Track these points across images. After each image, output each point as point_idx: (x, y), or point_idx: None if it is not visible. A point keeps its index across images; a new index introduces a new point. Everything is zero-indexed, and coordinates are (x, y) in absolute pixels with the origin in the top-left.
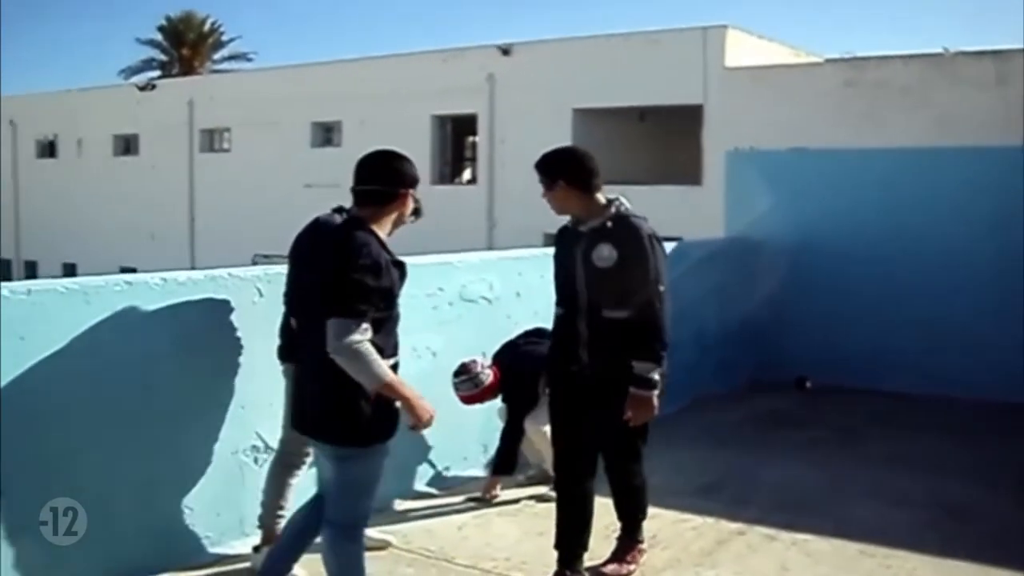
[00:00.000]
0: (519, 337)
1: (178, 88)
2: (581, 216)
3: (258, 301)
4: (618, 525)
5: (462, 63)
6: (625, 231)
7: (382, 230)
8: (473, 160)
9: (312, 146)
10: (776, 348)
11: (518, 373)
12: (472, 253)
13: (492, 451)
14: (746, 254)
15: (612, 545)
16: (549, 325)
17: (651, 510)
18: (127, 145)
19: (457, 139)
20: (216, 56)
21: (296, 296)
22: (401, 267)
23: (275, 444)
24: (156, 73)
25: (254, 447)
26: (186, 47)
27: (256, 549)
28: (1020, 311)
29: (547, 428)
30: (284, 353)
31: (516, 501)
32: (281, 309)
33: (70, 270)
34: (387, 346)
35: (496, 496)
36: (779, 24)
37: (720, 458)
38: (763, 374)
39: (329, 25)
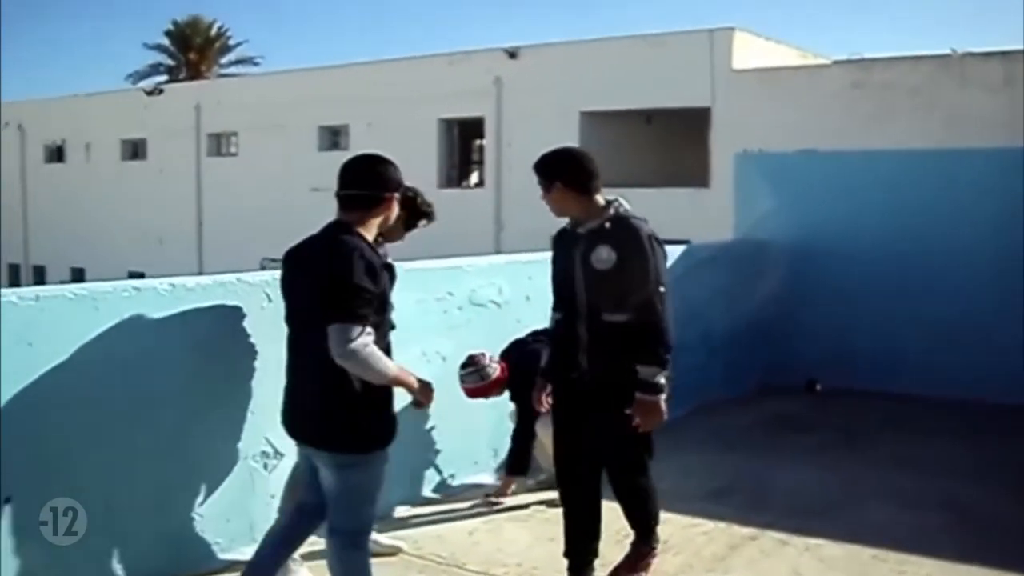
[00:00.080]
0: (527, 335)
1: (185, 92)
2: (580, 218)
3: (267, 306)
4: (630, 530)
5: (469, 66)
6: (624, 232)
7: (369, 234)
8: (480, 163)
9: (319, 150)
10: (785, 351)
11: (525, 371)
12: (481, 257)
13: (503, 455)
14: (754, 256)
15: (623, 549)
16: None
17: (662, 515)
18: (135, 149)
19: (464, 142)
20: (223, 60)
21: (289, 303)
22: (391, 270)
23: (284, 450)
24: (163, 78)
25: (264, 453)
26: (193, 52)
27: None
28: None
29: None
30: None
31: (527, 506)
32: None
33: (78, 275)
34: (381, 349)
35: (507, 495)
36: (786, 26)
37: (730, 462)
38: (772, 377)
39: (336, 29)
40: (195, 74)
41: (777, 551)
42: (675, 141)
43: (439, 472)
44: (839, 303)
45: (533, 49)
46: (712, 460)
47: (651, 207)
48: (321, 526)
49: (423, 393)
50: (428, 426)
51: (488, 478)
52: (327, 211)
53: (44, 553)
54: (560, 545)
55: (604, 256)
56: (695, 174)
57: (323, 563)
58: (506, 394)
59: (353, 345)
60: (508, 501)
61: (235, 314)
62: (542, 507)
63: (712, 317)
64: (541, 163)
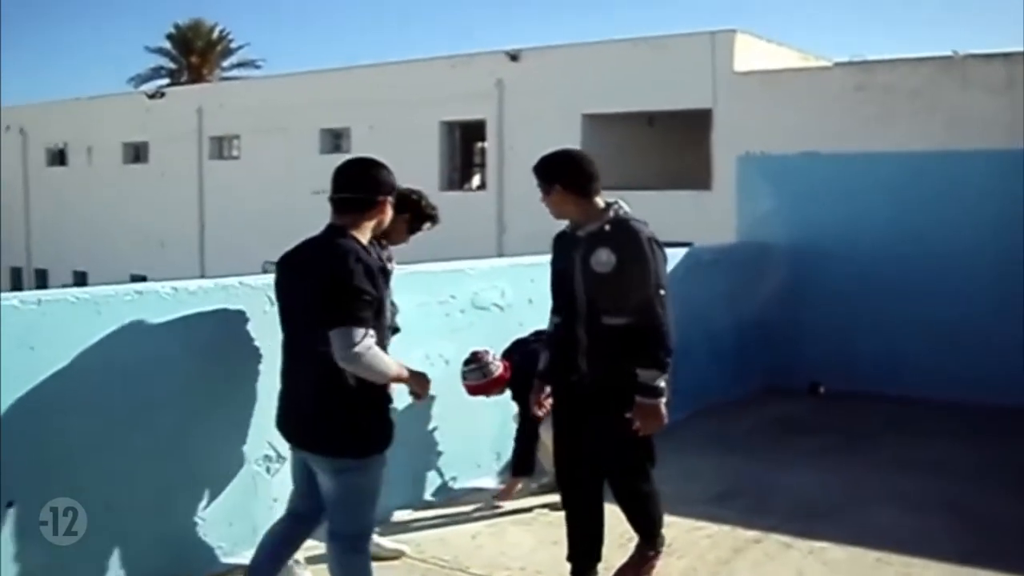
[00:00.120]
0: (530, 335)
1: (187, 96)
2: (579, 220)
3: (269, 310)
4: (633, 534)
5: (471, 69)
6: (624, 235)
7: (363, 237)
8: (482, 166)
9: (321, 152)
10: (788, 353)
11: (527, 371)
12: (484, 260)
13: (505, 459)
14: (757, 259)
15: (627, 553)
16: None
17: (666, 518)
18: (137, 153)
19: (466, 145)
20: (225, 64)
21: (285, 306)
22: (386, 273)
23: (287, 453)
24: (165, 81)
25: (266, 456)
26: (195, 55)
27: None
28: None
29: None
30: None
31: (530, 509)
32: None
33: (80, 278)
34: None
35: (512, 497)
36: (787, 28)
37: (733, 465)
38: (775, 379)
39: (337, 32)
40: (197, 77)
41: (781, 554)
42: (677, 143)
43: (441, 475)
44: (841, 305)
45: (535, 52)
46: (715, 463)
47: (653, 209)
48: (318, 530)
49: (418, 384)
50: (430, 429)
51: (491, 481)
52: (329, 214)
53: (45, 556)
54: (564, 548)
55: (604, 259)
56: (697, 176)
57: (325, 567)
58: (508, 394)
59: (358, 348)
60: (512, 504)
61: (237, 318)
62: (545, 510)
63: (714, 320)
64: (540, 165)
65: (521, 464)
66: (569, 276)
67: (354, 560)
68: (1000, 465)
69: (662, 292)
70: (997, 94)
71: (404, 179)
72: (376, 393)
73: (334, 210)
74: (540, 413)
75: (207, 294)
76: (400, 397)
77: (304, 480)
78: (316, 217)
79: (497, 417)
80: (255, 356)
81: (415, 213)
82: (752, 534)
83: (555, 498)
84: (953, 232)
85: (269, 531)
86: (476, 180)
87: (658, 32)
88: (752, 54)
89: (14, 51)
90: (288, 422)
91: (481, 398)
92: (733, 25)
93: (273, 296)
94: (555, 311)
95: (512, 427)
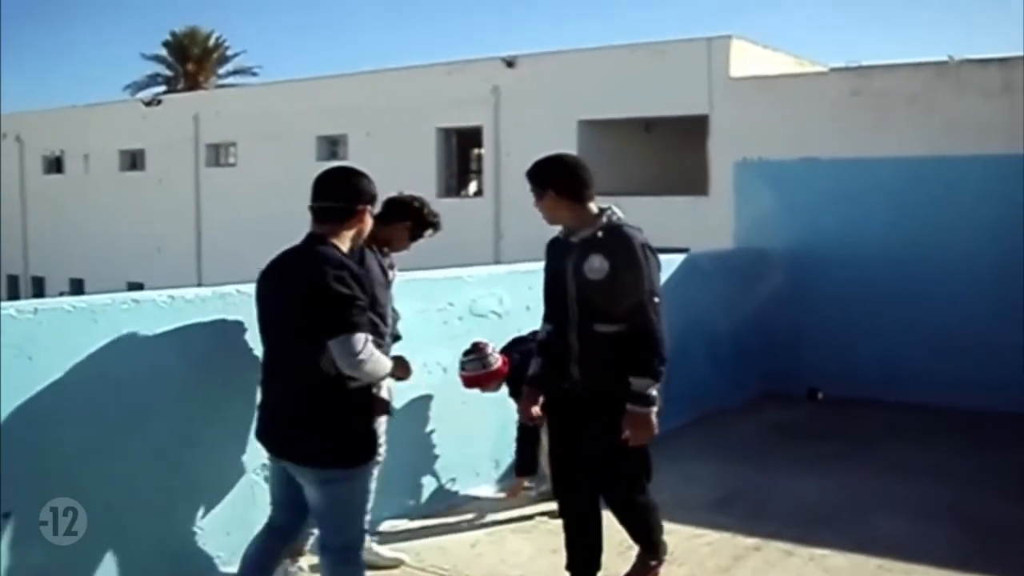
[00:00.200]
0: (528, 334)
1: (184, 103)
2: (572, 226)
3: None
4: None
5: (467, 75)
6: (617, 241)
7: (343, 246)
8: (479, 172)
9: (318, 159)
10: (787, 359)
11: (526, 370)
12: (481, 267)
13: (504, 466)
14: (755, 264)
15: (627, 561)
16: None
17: (665, 525)
18: (133, 160)
19: (463, 151)
20: (221, 71)
21: (265, 316)
22: (386, 280)
23: None
24: (162, 88)
25: (264, 466)
26: (191, 62)
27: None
28: None
29: None
30: None
31: (530, 517)
32: None
33: (77, 285)
34: None
35: (519, 496)
36: (782, 34)
37: (733, 471)
38: (774, 385)
39: (334, 39)
40: (193, 84)
41: (782, 562)
42: (674, 149)
43: (440, 483)
44: (839, 310)
45: (531, 58)
46: (714, 469)
47: (650, 215)
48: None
49: (401, 368)
50: (428, 437)
51: (489, 489)
52: None
53: (43, 567)
54: (563, 557)
55: (597, 265)
56: (694, 182)
57: None
58: (508, 395)
59: (362, 356)
60: (511, 513)
61: (235, 326)
62: (545, 518)
63: (713, 325)
64: (534, 170)
65: (523, 464)
66: (562, 283)
67: (347, 572)
68: (999, 470)
69: (656, 299)
70: (993, 99)
71: (401, 186)
72: (361, 403)
73: (314, 219)
74: (529, 421)
75: (204, 302)
76: (399, 402)
77: (282, 490)
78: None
79: (495, 424)
80: (253, 365)
81: (417, 220)
82: (752, 541)
83: (555, 506)
84: (951, 237)
85: (250, 546)
86: (473, 187)
87: (654, 38)
88: (748, 60)
89: (10, 59)
90: (271, 433)
91: (480, 398)
92: (728, 30)
93: None
94: (547, 318)
95: (510, 433)
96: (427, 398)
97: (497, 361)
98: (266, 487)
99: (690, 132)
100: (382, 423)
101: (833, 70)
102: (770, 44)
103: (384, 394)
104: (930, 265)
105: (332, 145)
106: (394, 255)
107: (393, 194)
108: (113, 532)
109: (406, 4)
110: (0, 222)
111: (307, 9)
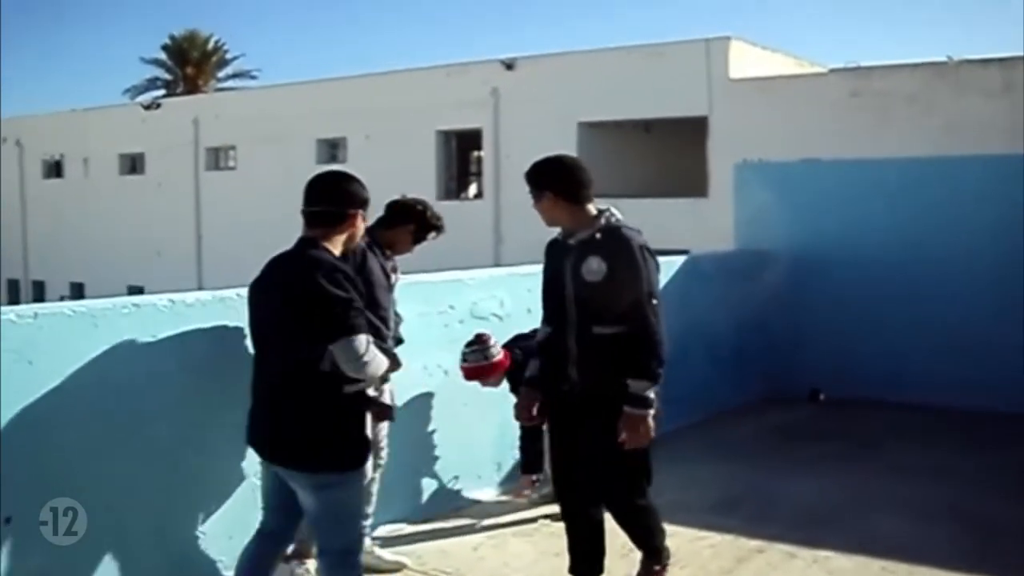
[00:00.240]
0: (530, 331)
1: (183, 107)
2: (570, 228)
3: None
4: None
5: (466, 78)
6: (615, 243)
7: (335, 250)
8: (479, 175)
9: (318, 162)
10: (788, 360)
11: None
12: (482, 270)
13: (506, 470)
14: (755, 266)
15: (630, 564)
16: None
17: (667, 528)
18: (133, 164)
19: (462, 154)
20: (220, 74)
21: (257, 320)
22: (389, 283)
23: None
24: (161, 92)
25: None
26: (191, 66)
27: (286, 560)
28: None
29: None
30: None
31: (533, 520)
32: None
33: (77, 289)
34: None
35: (525, 495)
36: (781, 35)
37: (735, 473)
38: (775, 386)
39: (333, 42)
40: (193, 88)
41: (785, 564)
42: (674, 150)
43: (441, 486)
44: (840, 311)
45: (530, 60)
46: (716, 471)
47: (650, 217)
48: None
49: (392, 363)
50: (430, 440)
51: (491, 492)
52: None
53: (43, 569)
54: (566, 560)
55: (595, 267)
56: (694, 183)
57: None
58: (507, 396)
59: (367, 357)
60: (514, 516)
61: (235, 331)
62: (547, 521)
63: (714, 327)
64: (531, 172)
65: (528, 461)
66: (560, 284)
67: (344, 575)
68: (1000, 470)
69: (654, 301)
70: (993, 99)
71: (401, 189)
72: (354, 407)
73: (306, 223)
74: (525, 422)
75: (204, 306)
76: (402, 400)
77: (274, 495)
78: None
79: (497, 427)
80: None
81: (420, 223)
82: (755, 543)
83: (557, 509)
84: (951, 237)
85: (243, 553)
86: (473, 189)
87: (653, 40)
88: (747, 61)
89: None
90: (263, 438)
91: (482, 400)
92: (728, 31)
93: None
94: (546, 320)
95: (512, 435)
96: (428, 401)
97: (499, 354)
98: None
99: (690, 133)
100: (384, 428)
101: (833, 71)
102: (769, 45)
103: (386, 399)
104: (930, 265)
105: (332, 148)
106: (396, 258)
107: (396, 197)
108: (114, 537)
109: (405, 7)
110: (0, 226)
111: (306, 12)
